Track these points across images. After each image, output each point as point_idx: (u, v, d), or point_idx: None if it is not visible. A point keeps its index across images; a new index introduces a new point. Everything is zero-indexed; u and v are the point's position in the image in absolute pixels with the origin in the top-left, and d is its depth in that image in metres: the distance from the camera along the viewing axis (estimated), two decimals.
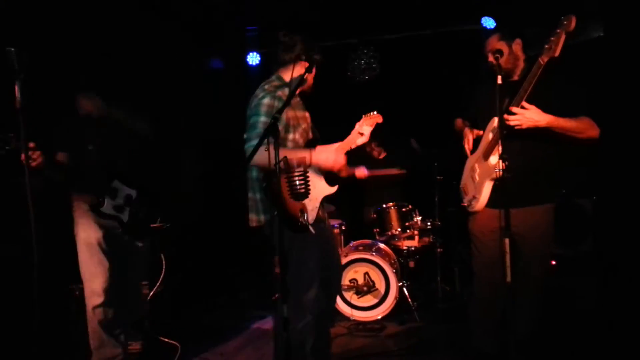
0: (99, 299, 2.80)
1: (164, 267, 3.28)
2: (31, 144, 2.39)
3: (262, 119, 2.53)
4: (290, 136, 2.64)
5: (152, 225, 3.04)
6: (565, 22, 2.32)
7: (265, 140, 2.21)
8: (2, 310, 3.10)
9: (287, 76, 2.69)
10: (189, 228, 4.90)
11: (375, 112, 2.79)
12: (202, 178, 5.36)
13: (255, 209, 2.66)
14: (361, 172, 4.08)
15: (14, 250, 2.98)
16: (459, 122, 3.03)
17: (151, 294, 3.37)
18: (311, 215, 2.60)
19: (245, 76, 5.58)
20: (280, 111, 2.30)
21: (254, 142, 2.41)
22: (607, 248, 3.98)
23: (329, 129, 2.97)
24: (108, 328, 2.85)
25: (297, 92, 2.66)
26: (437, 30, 5.18)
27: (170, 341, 3.22)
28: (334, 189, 2.72)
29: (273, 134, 2.20)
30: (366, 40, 5.41)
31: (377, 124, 2.80)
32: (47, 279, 2.77)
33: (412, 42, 5.26)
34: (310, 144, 2.71)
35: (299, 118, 2.70)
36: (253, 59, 5.52)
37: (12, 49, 1.97)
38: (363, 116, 2.78)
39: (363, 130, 2.74)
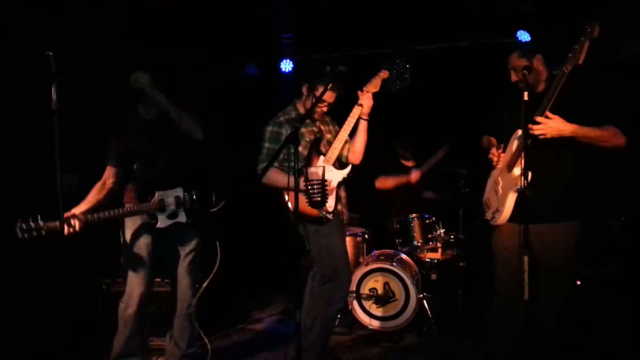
0: (134, 306, 2.84)
1: (218, 258, 3.13)
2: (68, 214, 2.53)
3: (266, 144, 3.00)
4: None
5: (211, 210, 3.03)
6: (589, 30, 2.31)
7: (274, 158, 2.44)
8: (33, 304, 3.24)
9: (299, 105, 3.12)
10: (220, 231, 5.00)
11: (375, 76, 3.10)
12: (234, 182, 5.46)
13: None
14: (415, 175, 4.43)
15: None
16: (485, 140, 3.01)
17: (203, 286, 3.24)
18: (330, 203, 2.92)
19: (278, 83, 5.67)
20: (300, 121, 2.46)
21: (261, 165, 2.96)
22: (634, 270, 3.87)
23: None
24: (136, 338, 2.91)
25: (304, 114, 3.04)
26: (473, 42, 5.14)
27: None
28: (345, 171, 3.02)
29: (294, 142, 2.29)
30: (401, 50, 5.41)
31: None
32: (77, 273, 2.92)
33: (447, 54, 5.24)
34: (315, 148, 3.04)
35: (304, 133, 3.04)
36: (286, 66, 5.60)
37: (50, 53, 2.08)
38: (364, 86, 3.06)
39: (361, 100, 3.02)
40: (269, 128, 3.02)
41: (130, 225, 2.88)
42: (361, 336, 3.91)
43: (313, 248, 2.98)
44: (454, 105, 5.04)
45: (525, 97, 2.36)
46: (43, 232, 2.47)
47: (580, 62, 2.31)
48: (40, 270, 3.14)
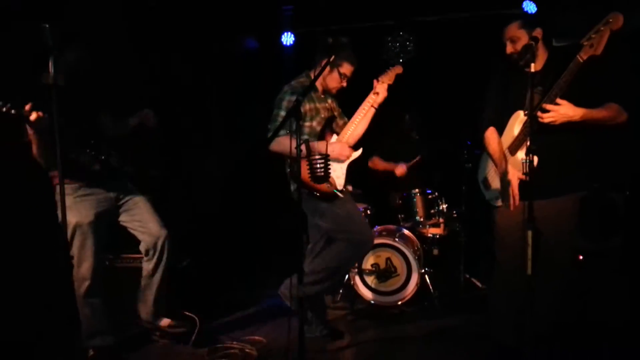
0: (86, 283, 2.86)
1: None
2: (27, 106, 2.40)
3: (282, 113, 2.92)
4: (307, 124, 3.00)
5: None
6: (610, 20, 2.23)
7: (287, 124, 2.34)
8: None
9: (313, 74, 3.06)
10: (213, 208, 4.99)
11: (390, 68, 3.12)
12: (232, 158, 5.43)
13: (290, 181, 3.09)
14: (401, 169, 4.27)
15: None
16: (493, 142, 2.77)
17: None
18: (339, 181, 2.98)
19: (280, 56, 5.58)
20: (303, 94, 2.41)
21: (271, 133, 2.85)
22: (638, 245, 3.88)
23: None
24: (99, 315, 2.92)
25: (321, 90, 3.11)
26: (476, 13, 5.05)
27: (190, 314, 3.30)
28: (358, 152, 3.09)
29: (295, 115, 2.25)
30: (403, 23, 5.33)
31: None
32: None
33: (450, 25, 5.14)
34: (328, 126, 3.09)
35: (319, 109, 3.06)
36: (287, 39, 5.49)
37: (47, 25, 2.02)
38: (380, 76, 3.10)
39: (379, 89, 3.06)
40: (287, 97, 2.97)
41: (72, 206, 2.82)
42: (363, 311, 3.93)
43: (331, 221, 3.02)
44: (456, 79, 4.97)
45: (532, 69, 2.31)
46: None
47: (599, 52, 2.25)
48: (44, 247, 3.13)
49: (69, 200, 2.82)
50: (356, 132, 3.14)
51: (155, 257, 3.09)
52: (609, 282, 3.86)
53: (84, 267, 2.85)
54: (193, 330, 3.21)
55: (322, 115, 3.07)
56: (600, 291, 3.78)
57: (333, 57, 2.84)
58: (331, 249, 3.07)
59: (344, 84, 3.13)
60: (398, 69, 3.16)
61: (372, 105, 3.11)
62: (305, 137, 2.95)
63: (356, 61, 3.09)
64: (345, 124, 3.22)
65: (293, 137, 2.34)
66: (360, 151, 3.10)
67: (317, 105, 3.07)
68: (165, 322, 3.24)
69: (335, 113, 3.24)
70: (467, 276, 4.35)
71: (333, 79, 3.09)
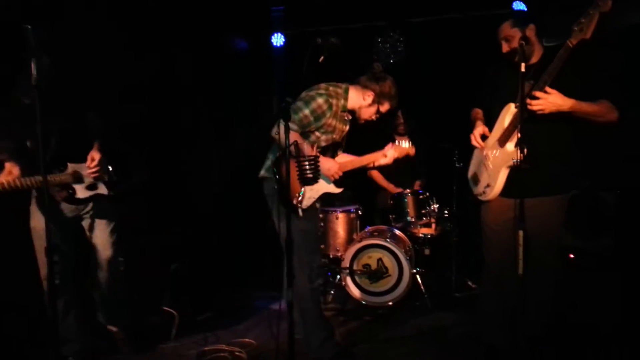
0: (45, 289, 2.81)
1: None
2: None
3: (306, 112, 2.82)
4: (317, 133, 2.93)
5: (133, 181, 3.04)
6: (600, 3, 2.22)
7: (277, 123, 2.34)
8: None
9: (353, 93, 2.99)
10: (204, 210, 4.96)
11: (409, 145, 3.10)
12: (222, 160, 5.39)
13: (265, 165, 3.01)
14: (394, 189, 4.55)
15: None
16: (476, 112, 2.95)
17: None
18: (306, 202, 2.89)
19: (270, 57, 5.55)
20: (294, 95, 2.39)
21: (292, 126, 2.73)
22: (628, 244, 3.88)
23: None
24: (70, 320, 2.88)
25: (349, 110, 3.03)
26: (467, 14, 5.05)
27: (168, 309, 3.34)
28: (337, 190, 3.04)
29: (284, 116, 2.23)
30: (394, 23, 5.33)
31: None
32: None
33: (441, 26, 5.14)
34: (332, 149, 3.05)
35: (336, 129, 3.00)
36: (278, 40, 5.46)
37: (29, 26, 1.99)
38: (397, 142, 3.09)
39: (388, 153, 3.06)
40: (320, 99, 2.86)
41: (33, 212, 2.81)
42: (354, 312, 3.91)
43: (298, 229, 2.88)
44: (446, 79, 4.98)
45: (523, 69, 2.30)
46: None
47: (588, 36, 2.24)
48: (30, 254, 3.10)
49: (34, 206, 2.82)
50: (345, 169, 3.07)
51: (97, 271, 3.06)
52: (600, 280, 3.86)
53: (43, 271, 2.79)
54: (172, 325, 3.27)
55: (334, 136, 3.00)
56: (591, 290, 3.78)
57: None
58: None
59: (374, 119, 3.10)
60: (411, 150, 3.12)
61: (373, 162, 3.09)
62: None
63: (395, 101, 3.07)
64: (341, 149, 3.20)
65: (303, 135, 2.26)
66: (341, 190, 3.05)
67: (337, 125, 3.00)
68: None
69: (343, 141, 3.18)
70: (459, 276, 4.34)
71: (369, 112, 3.05)
